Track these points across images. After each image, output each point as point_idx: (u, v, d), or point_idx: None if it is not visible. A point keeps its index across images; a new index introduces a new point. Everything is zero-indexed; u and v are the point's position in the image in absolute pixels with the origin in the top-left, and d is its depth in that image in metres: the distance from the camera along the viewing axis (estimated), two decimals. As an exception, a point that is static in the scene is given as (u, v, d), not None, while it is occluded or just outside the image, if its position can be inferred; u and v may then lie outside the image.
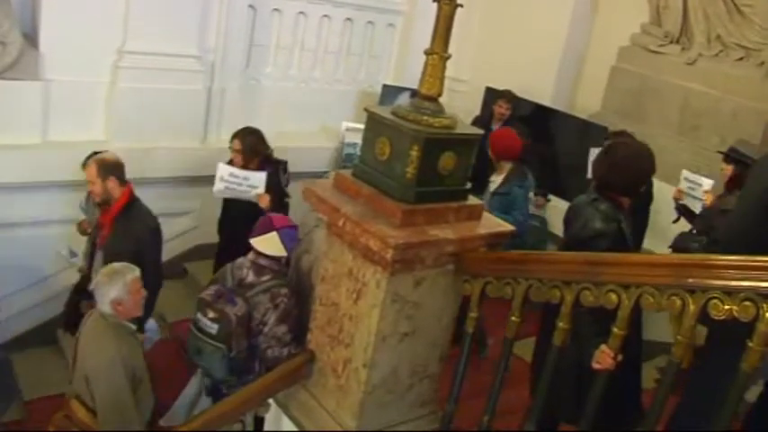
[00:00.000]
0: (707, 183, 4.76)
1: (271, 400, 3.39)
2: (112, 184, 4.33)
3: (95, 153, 4.72)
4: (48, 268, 5.74)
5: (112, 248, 4.25)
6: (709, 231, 4.62)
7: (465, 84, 8.10)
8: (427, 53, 2.89)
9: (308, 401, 3.27)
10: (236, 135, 5.42)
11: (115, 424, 3.47)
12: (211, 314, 3.65)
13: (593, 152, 5.46)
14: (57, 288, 5.68)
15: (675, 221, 5.41)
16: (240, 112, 6.71)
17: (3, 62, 5.31)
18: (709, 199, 4.72)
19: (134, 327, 3.65)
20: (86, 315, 3.69)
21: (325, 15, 7.26)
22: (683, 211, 5.16)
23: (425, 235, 2.81)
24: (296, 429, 3.26)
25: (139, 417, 3.54)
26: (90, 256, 4.66)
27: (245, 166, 5.29)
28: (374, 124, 3.01)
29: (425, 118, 2.83)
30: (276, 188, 5.32)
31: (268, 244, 3.74)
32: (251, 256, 3.80)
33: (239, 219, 5.18)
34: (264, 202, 5.12)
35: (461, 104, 7.72)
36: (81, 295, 4.80)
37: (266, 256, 3.75)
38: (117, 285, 3.49)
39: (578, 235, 3.35)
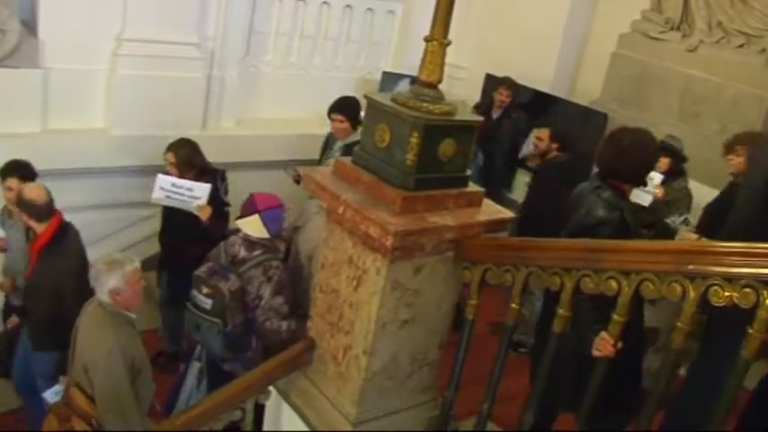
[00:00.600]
0: (658, 177, 4.92)
1: (271, 388, 3.40)
2: (26, 218, 4.19)
3: (16, 162, 4.63)
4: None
5: (32, 283, 4.20)
6: (657, 223, 4.78)
7: (465, 71, 8.08)
8: (427, 40, 2.87)
9: (309, 389, 3.27)
10: (169, 147, 5.15)
11: (114, 413, 3.48)
12: (206, 290, 3.77)
13: (532, 134, 5.64)
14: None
15: None
16: (240, 100, 6.72)
17: (2, 50, 5.30)
18: (660, 192, 4.89)
19: (133, 316, 3.65)
20: (85, 304, 3.70)
21: (325, 2, 7.24)
22: None
23: (425, 222, 2.80)
24: (296, 416, 3.26)
25: (138, 405, 3.56)
26: None
27: (181, 178, 5.05)
28: (374, 111, 3.00)
29: (425, 105, 2.81)
30: (215, 198, 5.09)
31: (251, 226, 3.86)
32: (242, 233, 3.90)
33: (180, 230, 5.06)
34: (205, 215, 4.89)
35: (461, 91, 7.72)
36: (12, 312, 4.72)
37: None
38: (116, 275, 3.50)
39: (581, 223, 3.35)
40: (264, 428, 3.48)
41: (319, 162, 5.65)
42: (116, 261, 3.57)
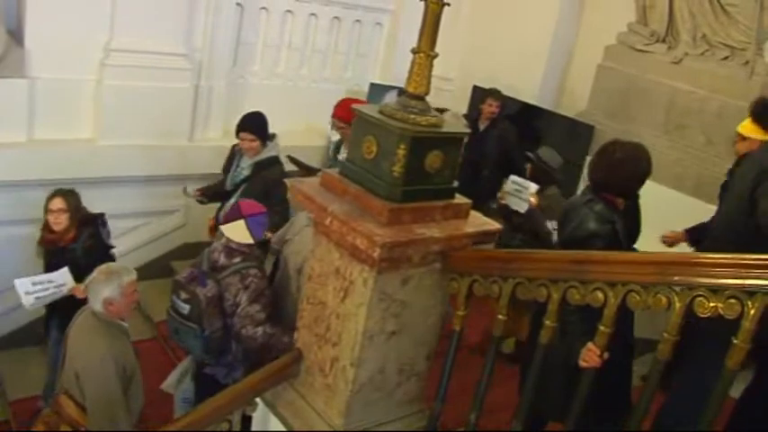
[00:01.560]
0: (533, 187, 5.18)
1: (258, 399, 3.39)
2: None
3: None
4: (33, 268, 5.70)
5: None
6: (525, 225, 5.21)
7: (452, 82, 8.11)
8: (414, 52, 2.89)
9: (296, 400, 3.27)
10: (56, 194, 4.78)
11: (105, 421, 3.48)
12: (184, 295, 3.81)
13: None
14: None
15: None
16: (227, 110, 6.71)
17: (-13, 59, 5.28)
18: (535, 200, 5.15)
19: (126, 325, 3.65)
20: (77, 312, 3.70)
21: (313, 14, 7.26)
22: (504, 210, 5.41)
23: (412, 233, 2.81)
24: (283, 428, 3.26)
25: (129, 414, 3.55)
26: None
27: (68, 229, 4.75)
28: (361, 123, 3.01)
29: (412, 116, 2.82)
30: (100, 244, 4.90)
31: (235, 231, 3.88)
32: (223, 240, 3.95)
33: (67, 312, 4.40)
34: (80, 293, 4.35)
35: (448, 103, 7.73)
36: None
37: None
38: (111, 285, 3.51)
39: (573, 235, 3.36)
40: (251, 440, 3.47)
41: (225, 173, 5.46)
42: (113, 271, 3.59)
